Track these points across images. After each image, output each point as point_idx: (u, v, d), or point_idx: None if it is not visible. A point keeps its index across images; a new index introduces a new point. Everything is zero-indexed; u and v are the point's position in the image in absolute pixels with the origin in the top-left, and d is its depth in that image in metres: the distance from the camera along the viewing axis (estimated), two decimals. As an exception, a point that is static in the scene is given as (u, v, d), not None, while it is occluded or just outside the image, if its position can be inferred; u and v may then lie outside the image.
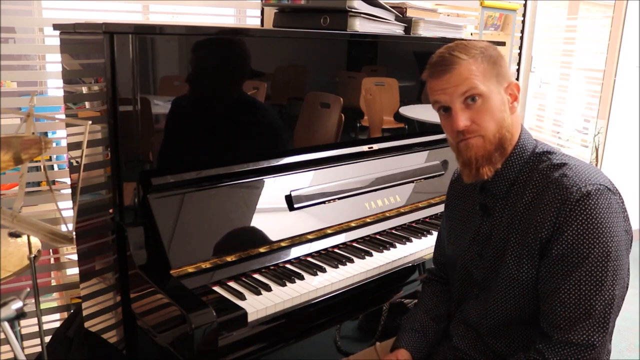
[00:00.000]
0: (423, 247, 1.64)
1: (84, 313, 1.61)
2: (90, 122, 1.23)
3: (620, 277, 1.02)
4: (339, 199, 1.66)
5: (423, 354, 1.31)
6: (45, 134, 1.91)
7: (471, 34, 2.87)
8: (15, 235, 1.54)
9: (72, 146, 1.57)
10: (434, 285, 1.41)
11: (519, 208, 1.11)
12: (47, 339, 1.77)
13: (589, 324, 1.01)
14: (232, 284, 1.35)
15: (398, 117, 2.01)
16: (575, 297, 1.01)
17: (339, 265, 1.47)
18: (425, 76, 1.15)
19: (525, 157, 1.13)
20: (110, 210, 1.39)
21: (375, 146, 1.88)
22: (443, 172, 2.00)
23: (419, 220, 1.83)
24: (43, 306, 1.85)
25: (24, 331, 1.87)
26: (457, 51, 1.10)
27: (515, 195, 1.13)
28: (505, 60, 1.14)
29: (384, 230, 1.72)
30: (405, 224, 1.79)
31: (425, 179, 1.93)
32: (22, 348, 1.39)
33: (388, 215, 1.76)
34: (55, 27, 1.50)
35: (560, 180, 1.05)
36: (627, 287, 1.10)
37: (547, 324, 1.05)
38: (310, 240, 1.56)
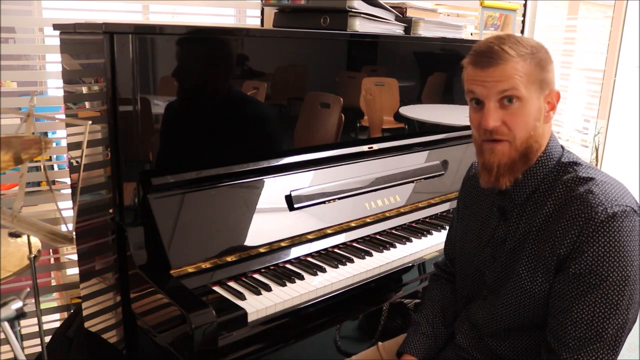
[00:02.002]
0: (423, 247, 1.64)
1: (84, 313, 1.61)
2: (90, 122, 1.23)
3: (635, 301, 1.01)
4: (339, 199, 1.66)
5: (430, 359, 1.29)
6: (45, 134, 1.91)
7: (471, 34, 2.87)
8: (15, 235, 1.54)
9: (72, 146, 1.57)
10: (443, 284, 1.38)
11: (539, 218, 1.08)
12: (47, 339, 1.77)
13: (599, 346, 0.99)
14: (232, 284, 1.35)
15: (398, 117, 2.01)
16: (588, 318, 1.00)
17: (339, 265, 1.47)
18: (467, 62, 1.08)
19: (550, 165, 1.09)
20: (110, 210, 1.39)
21: (375, 146, 1.88)
22: (443, 172, 2.00)
23: (419, 220, 1.83)
24: (43, 306, 1.85)
25: (24, 331, 1.87)
26: (507, 45, 1.03)
27: (535, 204, 1.10)
28: (552, 66, 1.07)
29: (384, 230, 1.72)
30: (405, 224, 1.78)
31: (425, 179, 1.93)
32: (22, 348, 1.39)
33: (388, 215, 1.76)
34: (55, 27, 1.50)
35: (586, 197, 1.01)
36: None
37: (556, 341, 1.04)
38: (310, 240, 1.55)
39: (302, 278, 1.39)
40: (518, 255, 1.11)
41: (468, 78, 1.08)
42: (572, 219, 1.02)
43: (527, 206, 1.12)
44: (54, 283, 2.12)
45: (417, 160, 1.97)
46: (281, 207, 1.54)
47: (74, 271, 1.96)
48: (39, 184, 1.93)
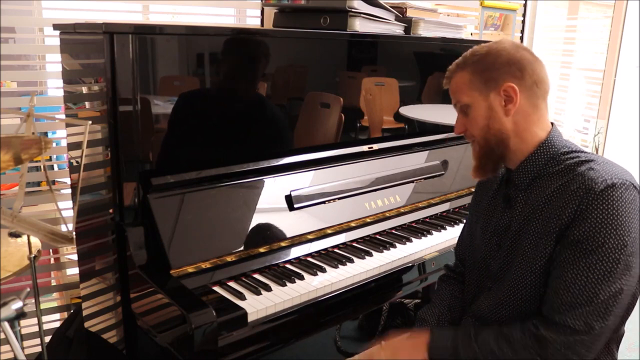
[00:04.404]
0: (423, 247, 1.64)
1: (84, 313, 1.61)
2: (90, 122, 1.24)
3: (631, 274, 1.02)
4: (339, 199, 1.66)
5: None
6: (45, 134, 1.91)
7: (471, 34, 2.87)
8: (15, 235, 1.54)
9: (72, 146, 1.57)
10: (452, 283, 1.40)
11: (542, 199, 1.12)
12: (47, 339, 1.77)
13: (589, 310, 1.01)
14: (232, 284, 1.35)
15: (398, 117, 2.01)
16: (581, 283, 1.02)
17: (339, 265, 1.47)
18: None
19: (552, 152, 1.14)
20: (110, 210, 1.39)
21: (375, 146, 1.88)
22: (443, 172, 2.00)
23: (419, 220, 1.83)
24: (43, 306, 1.85)
25: (24, 331, 1.87)
26: (458, 61, 1.19)
27: (538, 188, 1.14)
28: (509, 64, 1.13)
29: (384, 230, 1.72)
30: (405, 224, 1.78)
31: (425, 179, 1.93)
32: (22, 348, 1.39)
33: (388, 215, 1.76)
34: (55, 27, 1.50)
35: (587, 173, 1.06)
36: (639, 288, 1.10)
37: (548, 307, 1.06)
38: (310, 240, 1.55)
39: (302, 278, 1.39)
40: (522, 237, 1.14)
41: None
42: (573, 192, 1.05)
43: (531, 191, 1.16)
44: (54, 283, 2.12)
45: (417, 160, 1.97)
46: (281, 207, 1.54)
47: (74, 271, 1.96)
48: (39, 184, 1.93)
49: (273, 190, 1.55)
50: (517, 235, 1.16)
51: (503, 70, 1.13)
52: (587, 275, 1.01)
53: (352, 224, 1.66)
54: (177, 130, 1.44)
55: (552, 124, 1.19)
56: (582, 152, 1.13)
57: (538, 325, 1.05)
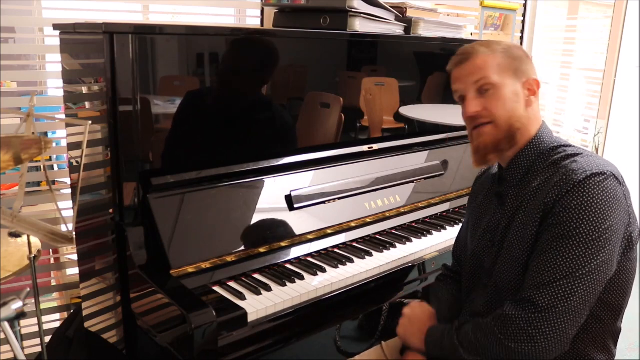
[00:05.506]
0: (423, 247, 1.64)
1: (84, 313, 1.61)
2: (90, 122, 1.24)
3: (603, 260, 1.03)
4: (339, 199, 1.66)
5: None
6: (45, 134, 1.91)
7: (471, 34, 2.87)
8: (15, 235, 1.54)
9: (72, 146, 1.57)
10: (449, 283, 1.41)
11: (528, 193, 1.14)
12: (47, 339, 1.77)
13: (554, 289, 1.02)
14: (232, 284, 1.35)
15: (398, 117, 2.01)
16: (551, 264, 1.03)
17: (339, 265, 1.47)
18: (449, 67, 1.22)
19: (542, 148, 1.16)
20: (110, 210, 1.39)
21: (375, 146, 1.88)
22: (443, 172, 2.00)
23: (419, 220, 1.83)
24: (43, 306, 1.85)
25: (24, 331, 1.87)
26: (478, 45, 1.18)
27: (527, 183, 1.16)
28: (529, 61, 1.18)
29: (384, 230, 1.72)
30: (405, 224, 1.78)
31: (425, 179, 1.93)
32: (22, 348, 1.39)
33: (388, 215, 1.76)
34: (55, 27, 1.50)
35: (570, 165, 1.08)
36: (630, 283, 1.12)
37: (522, 288, 1.09)
38: (310, 240, 1.55)
39: (302, 278, 1.39)
40: (509, 231, 1.16)
41: (452, 80, 1.22)
42: (555, 184, 1.07)
43: (521, 187, 1.17)
44: (54, 283, 2.12)
45: (417, 160, 1.97)
46: (281, 207, 1.54)
47: (74, 271, 1.96)
48: (39, 184, 1.93)
49: (273, 190, 1.55)
50: (505, 230, 1.18)
51: (527, 64, 1.18)
52: (557, 257, 1.03)
53: (352, 224, 1.66)
54: (177, 130, 1.44)
55: (542, 121, 1.21)
56: (570, 146, 1.16)
57: (504, 306, 1.08)
